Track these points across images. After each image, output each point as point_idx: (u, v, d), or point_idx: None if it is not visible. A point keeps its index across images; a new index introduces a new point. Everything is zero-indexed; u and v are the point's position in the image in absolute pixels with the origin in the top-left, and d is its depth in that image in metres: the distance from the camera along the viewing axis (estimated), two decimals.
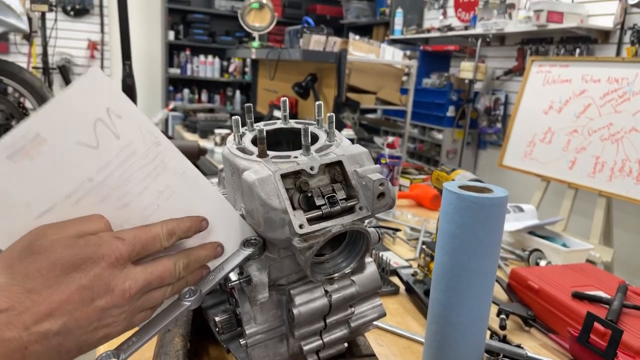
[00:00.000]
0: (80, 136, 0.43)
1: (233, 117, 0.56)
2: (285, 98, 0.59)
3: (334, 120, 0.55)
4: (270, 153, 0.53)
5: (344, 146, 0.55)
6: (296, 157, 0.53)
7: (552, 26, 3.39)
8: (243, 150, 0.56)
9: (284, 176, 0.50)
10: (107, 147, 0.45)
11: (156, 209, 0.49)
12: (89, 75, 0.43)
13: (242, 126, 0.59)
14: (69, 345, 0.41)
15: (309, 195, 0.51)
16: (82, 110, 0.43)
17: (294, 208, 0.50)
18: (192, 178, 0.50)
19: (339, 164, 0.53)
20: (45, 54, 4.28)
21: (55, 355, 0.41)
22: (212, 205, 0.53)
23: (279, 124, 0.62)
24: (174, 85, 6.33)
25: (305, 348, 0.59)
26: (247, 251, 0.52)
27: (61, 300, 0.40)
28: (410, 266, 1.19)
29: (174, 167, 0.49)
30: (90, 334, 0.42)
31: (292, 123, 0.62)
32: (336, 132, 0.57)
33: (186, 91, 6.33)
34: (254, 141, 0.57)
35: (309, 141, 0.53)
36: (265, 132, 0.53)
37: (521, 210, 1.51)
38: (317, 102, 0.58)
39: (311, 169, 0.51)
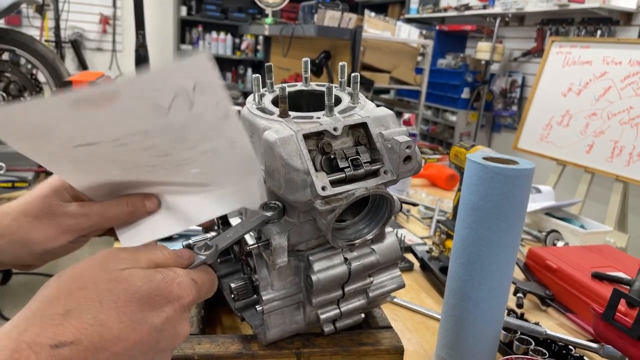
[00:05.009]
0: (155, 100, 0.40)
1: (254, 75, 0.53)
2: (307, 59, 0.57)
3: (358, 80, 0.53)
4: (292, 113, 0.51)
5: (368, 108, 0.53)
6: (319, 118, 0.50)
7: (574, 6, 3.30)
8: (263, 110, 0.53)
9: (306, 137, 0.48)
10: (177, 112, 0.42)
11: (193, 162, 0.47)
12: (196, 61, 0.38)
13: (262, 87, 0.57)
14: None
15: (332, 157, 0.49)
16: (172, 86, 0.40)
17: (316, 170, 0.48)
18: (241, 149, 0.47)
19: (364, 125, 0.51)
20: (57, 27, 4.26)
21: None
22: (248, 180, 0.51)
23: (299, 86, 0.60)
24: None
25: (323, 316, 0.58)
26: (267, 214, 0.51)
27: (130, 343, 0.38)
28: (425, 244, 1.17)
29: (229, 136, 0.46)
30: None
31: (314, 85, 0.60)
32: (360, 94, 0.55)
33: None
34: (275, 102, 0.55)
35: (332, 101, 0.50)
36: (287, 92, 0.50)
37: (539, 191, 1.48)
38: (340, 63, 0.55)
39: (334, 129, 0.49)
